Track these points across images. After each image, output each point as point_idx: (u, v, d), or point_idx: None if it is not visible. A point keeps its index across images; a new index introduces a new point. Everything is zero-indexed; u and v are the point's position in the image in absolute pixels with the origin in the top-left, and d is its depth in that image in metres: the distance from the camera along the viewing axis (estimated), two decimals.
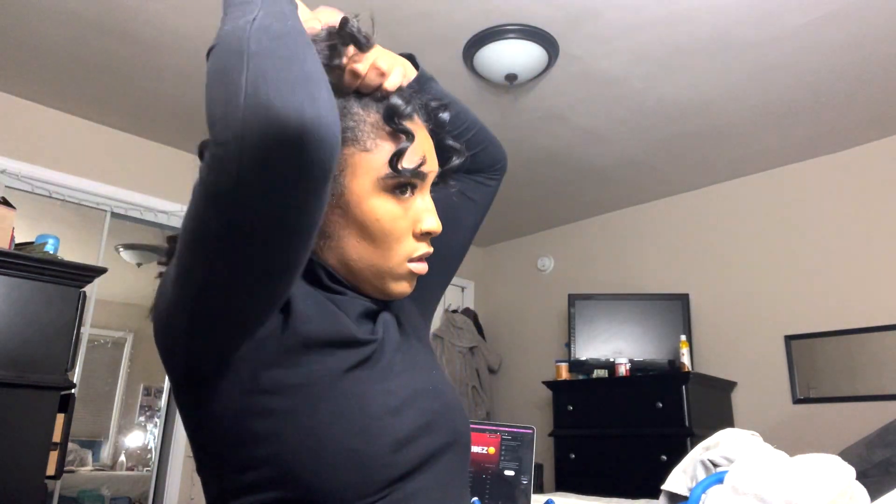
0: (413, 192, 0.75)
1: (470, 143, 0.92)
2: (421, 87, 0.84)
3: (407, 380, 0.72)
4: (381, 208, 0.72)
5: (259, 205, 0.53)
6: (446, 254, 0.92)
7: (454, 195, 0.92)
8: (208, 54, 0.58)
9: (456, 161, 0.83)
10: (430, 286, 0.92)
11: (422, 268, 0.76)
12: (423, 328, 0.89)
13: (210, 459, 0.67)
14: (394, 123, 0.72)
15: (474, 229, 0.97)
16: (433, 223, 0.75)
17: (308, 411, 0.62)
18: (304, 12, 0.73)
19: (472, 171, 0.95)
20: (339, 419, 0.63)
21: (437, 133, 0.81)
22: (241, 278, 0.58)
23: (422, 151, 0.74)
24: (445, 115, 0.82)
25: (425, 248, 0.76)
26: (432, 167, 0.76)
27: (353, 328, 0.69)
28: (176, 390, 0.67)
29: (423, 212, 0.75)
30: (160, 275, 0.70)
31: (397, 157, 0.71)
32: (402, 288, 0.76)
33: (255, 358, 0.62)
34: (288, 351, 0.64)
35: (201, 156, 0.72)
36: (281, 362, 0.63)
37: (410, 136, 0.72)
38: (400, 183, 0.73)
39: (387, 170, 0.71)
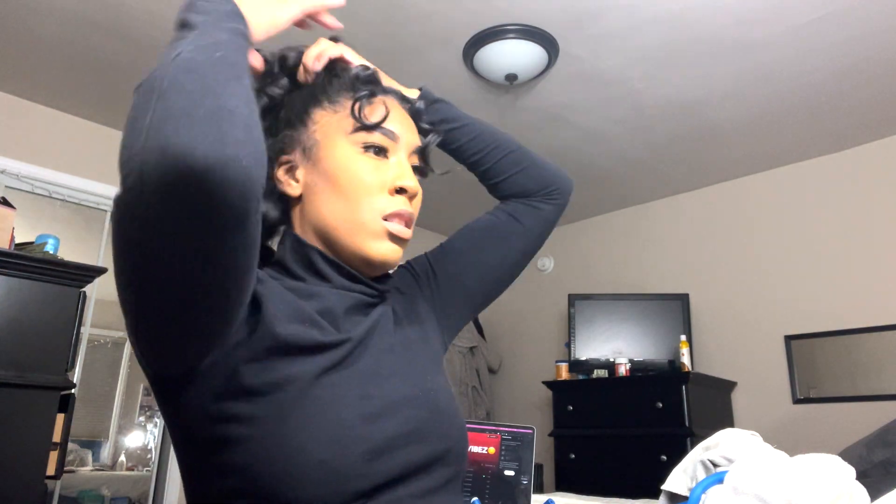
0: (387, 156, 0.76)
1: (502, 166, 0.92)
2: (426, 107, 0.87)
3: (395, 384, 0.69)
4: (351, 160, 0.74)
5: (170, 248, 0.51)
6: (482, 271, 0.90)
7: (502, 216, 0.92)
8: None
9: (431, 139, 0.84)
10: (456, 295, 0.90)
11: (400, 229, 0.74)
12: (432, 329, 0.86)
13: (183, 465, 0.66)
14: (357, 83, 0.77)
15: (525, 254, 0.93)
16: (409, 180, 0.75)
17: (278, 419, 0.60)
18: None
19: (521, 197, 0.93)
20: (309, 427, 0.61)
21: (414, 117, 0.84)
22: (170, 307, 0.55)
23: (386, 110, 0.76)
24: (420, 104, 0.85)
25: (402, 206, 0.74)
26: (404, 135, 0.78)
27: (317, 333, 0.67)
28: (153, 391, 0.66)
29: (398, 171, 0.76)
30: None
31: (356, 103, 0.75)
32: (384, 251, 0.74)
33: (226, 363, 0.61)
34: (258, 356, 0.62)
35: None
36: (251, 368, 0.62)
37: (371, 91, 0.76)
38: (369, 143, 0.75)
39: (353, 123, 0.75)
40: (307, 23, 0.77)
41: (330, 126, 0.76)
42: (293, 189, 0.76)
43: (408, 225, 0.75)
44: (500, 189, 0.94)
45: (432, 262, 0.91)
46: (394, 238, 0.74)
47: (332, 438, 0.61)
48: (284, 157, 0.77)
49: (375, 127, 0.75)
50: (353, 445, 0.61)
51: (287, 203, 0.78)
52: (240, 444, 0.60)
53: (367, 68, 0.79)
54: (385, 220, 0.73)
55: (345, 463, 0.60)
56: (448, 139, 0.91)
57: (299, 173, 0.76)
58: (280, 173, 0.77)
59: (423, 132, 0.84)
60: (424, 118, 0.86)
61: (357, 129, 0.75)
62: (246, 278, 0.57)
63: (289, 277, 0.75)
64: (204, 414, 0.61)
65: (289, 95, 0.80)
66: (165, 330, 0.57)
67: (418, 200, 0.78)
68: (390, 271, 0.82)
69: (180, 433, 0.65)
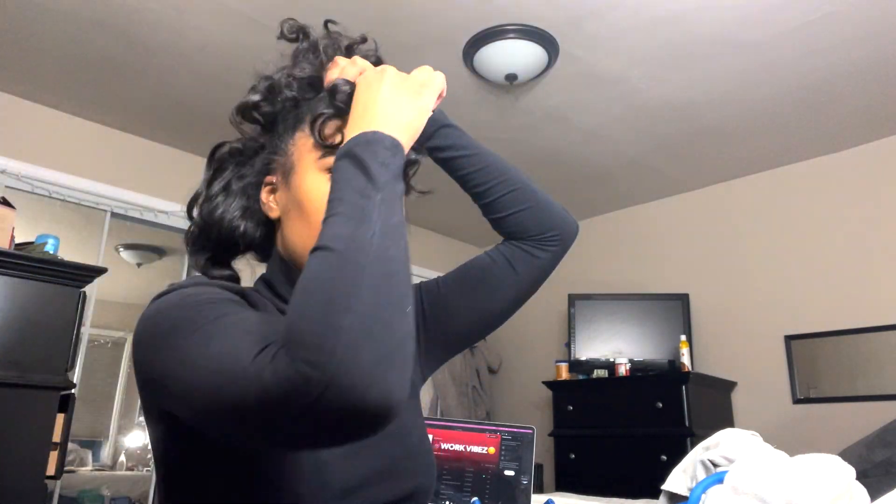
0: None
1: (505, 202, 0.89)
2: (436, 130, 0.86)
3: None
4: (315, 185, 0.73)
5: (296, 430, 0.50)
6: (473, 318, 0.90)
7: (500, 260, 0.90)
8: (313, 250, 0.55)
9: (410, 164, 0.82)
10: (443, 335, 0.89)
11: None
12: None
13: (163, 485, 0.67)
14: (331, 95, 0.75)
15: (516, 302, 0.92)
16: None
17: (259, 452, 0.62)
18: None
19: (521, 238, 0.90)
20: (291, 461, 0.62)
21: None
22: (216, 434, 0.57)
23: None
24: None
25: None
26: None
27: None
28: (143, 403, 0.67)
29: None
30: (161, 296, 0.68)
31: (315, 121, 0.73)
32: None
33: None
34: None
35: (213, 159, 0.78)
36: None
37: (337, 109, 0.74)
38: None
39: (318, 146, 0.74)
40: None
41: (305, 149, 0.75)
42: (273, 212, 0.78)
43: None
44: (500, 225, 0.92)
45: (425, 300, 0.90)
46: None
47: (312, 473, 0.62)
48: (268, 178, 0.79)
49: (334, 148, 0.73)
50: (332, 481, 0.62)
51: (271, 223, 0.80)
52: (220, 475, 0.61)
53: (346, 83, 0.75)
54: None
55: (320, 499, 0.62)
56: (455, 166, 0.89)
57: (278, 196, 0.77)
58: (264, 195, 0.78)
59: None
60: (425, 143, 0.85)
61: (324, 154, 0.74)
62: None
63: (277, 298, 0.77)
64: (188, 441, 0.62)
65: (284, 113, 0.80)
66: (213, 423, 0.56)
67: None
68: None
69: (163, 453, 0.65)
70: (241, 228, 0.77)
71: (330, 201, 0.58)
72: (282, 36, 0.81)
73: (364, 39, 0.83)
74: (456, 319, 0.89)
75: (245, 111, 0.79)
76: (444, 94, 0.78)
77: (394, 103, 0.67)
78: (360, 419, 0.48)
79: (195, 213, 0.80)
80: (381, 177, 0.59)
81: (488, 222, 0.94)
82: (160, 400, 0.61)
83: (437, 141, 0.87)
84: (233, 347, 0.53)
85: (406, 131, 0.66)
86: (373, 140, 0.62)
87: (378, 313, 0.50)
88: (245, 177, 0.80)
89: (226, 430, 0.54)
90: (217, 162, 0.81)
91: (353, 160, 0.60)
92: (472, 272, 0.91)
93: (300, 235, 0.74)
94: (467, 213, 4.59)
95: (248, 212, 0.78)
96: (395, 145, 0.63)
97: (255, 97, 0.78)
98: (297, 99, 0.78)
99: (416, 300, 0.89)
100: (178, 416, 0.60)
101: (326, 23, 0.82)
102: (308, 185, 0.73)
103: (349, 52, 0.80)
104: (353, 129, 0.65)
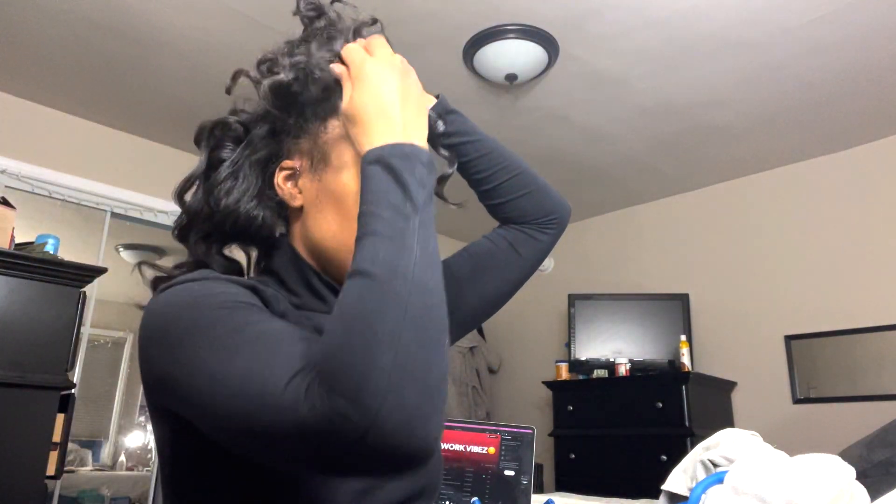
0: None
1: (508, 187, 0.90)
2: (439, 116, 0.85)
3: None
4: (357, 181, 0.69)
5: (331, 465, 0.50)
6: (476, 302, 0.90)
7: (502, 244, 0.90)
8: (352, 273, 0.53)
9: (448, 171, 0.82)
10: (459, 302, 0.88)
11: None
12: None
13: (169, 488, 0.65)
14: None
15: (517, 285, 0.93)
16: None
17: None
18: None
19: (521, 222, 0.91)
20: None
21: (432, 141, 0.80)
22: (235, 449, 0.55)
23: None
24: (440, 124, 0.83)
25: None
26: None
27: None
28: (150, 409, 0.65)
29: None
30: (166, 282, 0.65)
31: None
32: None
33: None
34: None
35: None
36: None
37: None
38: None
39: None
40: None
41: (342, 140, 0.71)
42: (296, 201, 0.73)
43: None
44: (500, 210, 0.92)
45: None
46: None
47: (322, 477, 0.61)
48: (287, 163, 0.73)
49: None
50: (345, 483, 0.61)
51: (285, 210, 0.75)
52: (230, 476, 0.60)
53: None
54: None
55: (333, 500, 0.60)
56: (460, 152, 0.88)
57: (303, 183, 0.72)
58: (280, 179, 0.73)
59: (440, 153, 0.83)
60: (439, 136, 0.84)
61: None
62: None
63: (284, 290, 0.73)
64: (197, 440, 0.60)
65: (313, 97, 0.74)
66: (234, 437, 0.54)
67: None
68: None
69: (169, 451, 0.64)
70: (260, 218, 0.72)
71: (364, 213, 0.56)
72: (298, 12, 0.77)
73: (374, 21, 0.80)
74: (460, 305, 0.87)
75: (276, 89, 0.72)
76: None
77: (417, 106, 0.65)
78: (400, 460, 0.48)
79: (189, 198, 0.74)
80: (420, 197, 0.57)
81: (485, 207, 0.94)
82: (167, 401, 0.59)
83: (444, 127, 0.86)
84: (262, 368, 0.50)
85: (425, 136, 0.65)
86: (411, 154, 0.59)
87: (419, 352, 0.49)
88: (254, 158, 0.74)
89: (253, 454, 0.53)
90: (214, 140, 0.74)
91: (390, 172, 0.57)
92: (476, 257, 0.90)
93: (334, 230, 0.70)
94: (467, 213, 4.59)
95: (264, 198, 0.73)
96: (430, 163, 0.61)
97: (287, 75, 0.72)
98: (328, 85, 0.72)
99: None
100: (192, 439, 0.59)
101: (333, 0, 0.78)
102: (349, 178, 0.70)
103: (357, 35, 0.77)
104: (376, 126, 0.61)
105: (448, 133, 0.86)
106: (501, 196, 0.90)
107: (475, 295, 0.89)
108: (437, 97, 0.86)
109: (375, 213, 0.55)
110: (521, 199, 0.90)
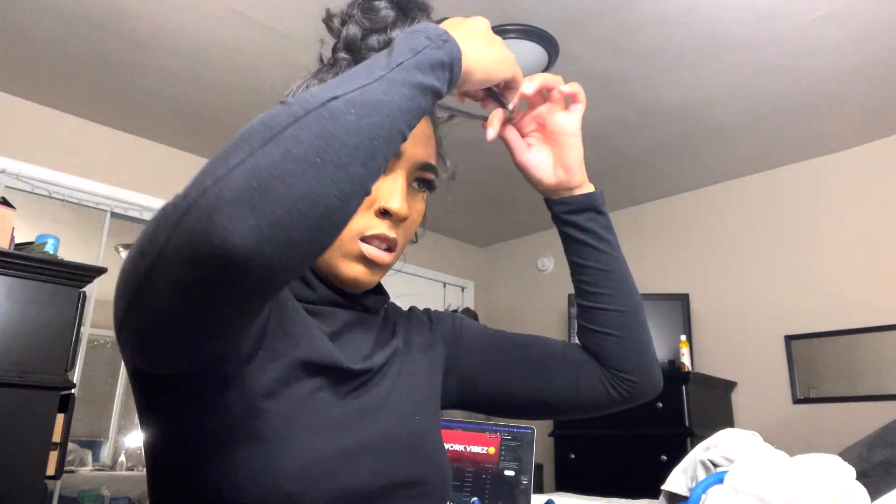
0: (385, 172, 0.69)
1: (602, 318, 0.79)
2: (586, 209, 0.79)
3: (382, 418, 0.67)
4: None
5: (163, 246, 0.45)
6: (496, 390, 0.81)
7: (568, 357, 0.81)
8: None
9: (446, 166, 0.78)
10: (485, 370, 0.82)
11: (377, 254, 0.67)
12: (436, 369, 0.81)
13: (152, 480, 0.63)
14: None
15: (549, 411, 0.81)
16: (395, 203, 0.67)
17: (254, 440, 0.58)
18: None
19: (597, 359, 0.80)
20: (282, 453, 0.58)
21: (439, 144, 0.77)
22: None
23: None
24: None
25: (381, 229, 0.67)
26: (408, 150, 0.69)
27: (344, 359, 0.66)
28: (137, 393, 0.63)
29: (388, 191, 0.68)
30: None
31: None
32: (355, 272, 0.68)
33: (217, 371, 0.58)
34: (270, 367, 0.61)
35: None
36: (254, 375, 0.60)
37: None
38: None
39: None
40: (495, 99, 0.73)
41: None
42: None
43: (389, 249, 0.69)
44: (584, 336, 0.82)
45: (465, 336, 0.84)
46: (368, 261, 0.68)
47: (303, 469, 0.58)
48: None
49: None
50: (323, 481, 0.58)
51: None
52: (211, 462, 0.58)
53: None
54: (363, 241, 0.67)
55: (311, 500, 0.58)
56: (579, 251, 0.79)
57: None
58: None
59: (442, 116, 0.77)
60: (584, 282, 0.79)
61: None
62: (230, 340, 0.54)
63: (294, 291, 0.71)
64: (183, 425, 0.59)
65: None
66: (180, 331, 0.51)
67: (410, 224, 0.72)
68: (390, 299, 0.81)
69: (153, 442, 0.62)
70: None
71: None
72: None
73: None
74: (480, 381, 0.81)
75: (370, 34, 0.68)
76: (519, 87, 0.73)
77: (485, 36, 0.60)
78: (201, 261, 0.42)
79: None
80: (401, 58, 0.50)
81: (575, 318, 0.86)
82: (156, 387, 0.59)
83: (581, 220, 0.79)
84: None
85: (478, 58, 0.58)
86: (419, 28, 0.53)
87: (283, 164, 0.42)
88: None
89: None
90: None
91: (383, 43, 0.53)
92: (535, 347, 0.82)
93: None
94: (468, 214, 4.60)
95: None
96: (440, 36, 0.53)
97: (390, 12, 0.69)
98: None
99: (452, 332, 0.85)
100: (170, 406, 0.58)
101: None
102: None
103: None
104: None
105: (585, 228, 0.79)
106: (593, 323, 0.79)
107: (499, 384, 0.81)
108: (597, 192, 0.80)
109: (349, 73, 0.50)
110: (609, 339, 0.79)
